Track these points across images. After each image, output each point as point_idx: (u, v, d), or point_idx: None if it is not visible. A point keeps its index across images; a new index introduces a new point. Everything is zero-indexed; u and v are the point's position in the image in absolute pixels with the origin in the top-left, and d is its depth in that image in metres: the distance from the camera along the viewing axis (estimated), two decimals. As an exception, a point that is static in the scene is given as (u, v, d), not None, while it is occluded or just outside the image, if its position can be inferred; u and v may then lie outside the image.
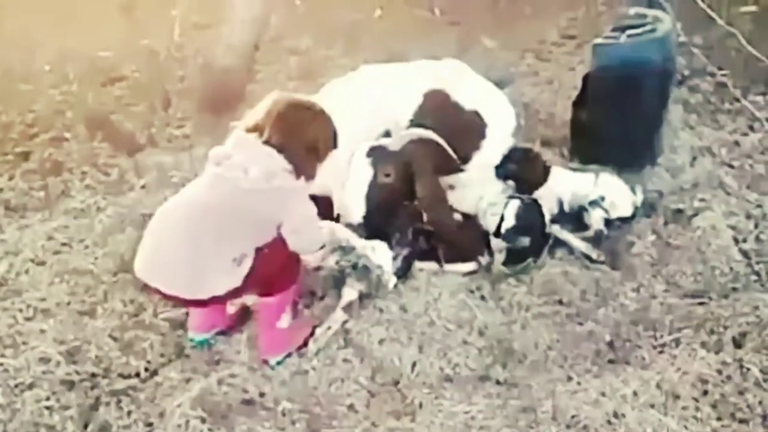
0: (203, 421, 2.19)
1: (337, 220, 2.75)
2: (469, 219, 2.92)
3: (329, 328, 2.54)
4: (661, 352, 2.43)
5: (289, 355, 2.47)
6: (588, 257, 2.89)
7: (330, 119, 2.36)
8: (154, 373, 2.44)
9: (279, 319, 2.44)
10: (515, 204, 2.85)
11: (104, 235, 3.09)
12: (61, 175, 3.64)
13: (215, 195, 2.24)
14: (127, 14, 5.29)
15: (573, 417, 2.17)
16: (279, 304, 2.42)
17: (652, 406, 2.18)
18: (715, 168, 3.37)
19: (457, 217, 2.92)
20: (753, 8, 4.43)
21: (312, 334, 2.53)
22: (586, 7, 5.40)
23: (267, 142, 2.23)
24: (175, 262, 2.20)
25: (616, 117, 3.20)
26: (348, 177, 2.76)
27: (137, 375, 2.43)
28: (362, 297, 2.64)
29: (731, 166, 3.42)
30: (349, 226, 2.71)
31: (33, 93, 4.57)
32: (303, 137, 2.27)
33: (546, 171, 3.02)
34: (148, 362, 2.46)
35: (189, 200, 2.30)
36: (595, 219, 2.97)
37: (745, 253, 2.83)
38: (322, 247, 2.47)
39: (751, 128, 3.73)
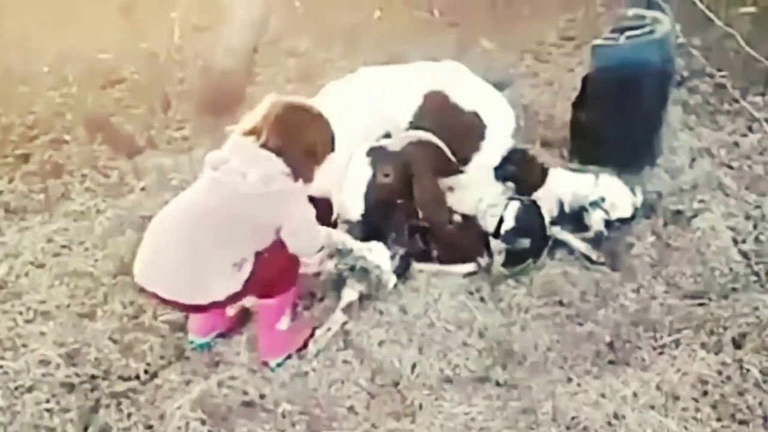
0: (203, 423, 2.19)
1: (335, 225, 2.75)
2: (469, 220, 2.93)
3: (329, 329, 2.54)
4: (661, 353, 2.43)
5: (289, 356, 2.48)
6: (588, 258, 2.89)
7: (327, 122, 2.36)
8: (154, 375, 2.44)
9: (279, 321, 2.44)
10: (514, 206, 2.85)
11: (104, 238, 3.09)
12: (61, 178, 3.64)
13: (213, 199, 2.23)
14: (126, 16, 5.29)
15: (573, 418, 2.17)
16: (279, 306, 2.43)
17: (652, 407, 2.19)
18: (714, 169, 3.38)
19: (457, 218, 2.92)
20: (752, 9, 4.42)
21: (312, 335, 2.53)
22: (585, 9, 5.40)
23: (264, 146, 2.22)
24: (175, 267, 2.20)
25: (616, 118, 3.20)
26: (347, 177, 2.76)
27: (137, 377, 2.43)
28: (362, 298, 2.64)
29: (730, 167, 3.42)
30: (347, 223, 2.71)
31: (32, 95, 4.57)
32: (301, 140, 2.27)
33: (544, 172, 3.03)
34: (148, 364, 2.46)
35: (187, 205, 2.29)
36: (595, 220, 2.98)
37: (744, 254, 2.83)
38: (321, 249, 2.47)
39: (750, 129, 3.73)
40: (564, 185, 3.03)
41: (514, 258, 2.83)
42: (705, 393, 2.23)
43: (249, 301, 2.50)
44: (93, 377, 2.41)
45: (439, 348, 2.48)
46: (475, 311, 2.62)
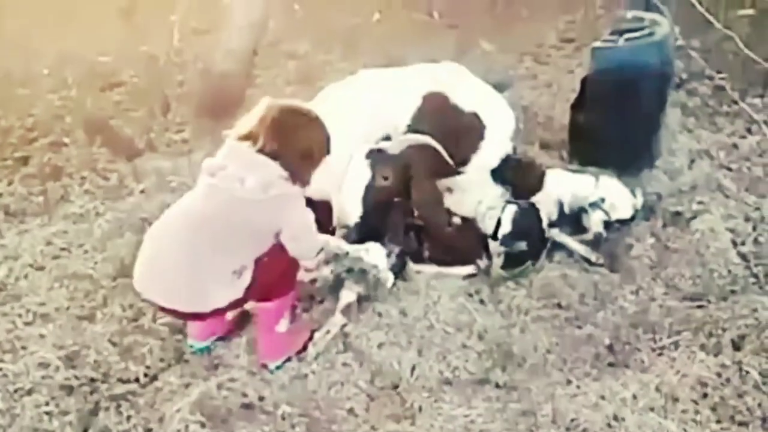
0: (203, 425, 2.19)
1: (333, 232, 2.75)
2: (468, 222, 2.93)
3: (328, 331, 2.54)
4: (660, 355, 2.44)
5: (288, 359, 2.47)
6: (587, 260, 2.89)
7: (323, 124, 2.34)
8: (154, 377, 2.44)
9: (278, 323, 2.44)
10: (512, 209, 2.85)
11: (103, 240, 3.09)
12: (60, 180, 3.64)
13: (211, 206, 2.22)
14: (126, 19, 5.30)
15: (572, 420, 2.17)
16: (278, 309, 2.42)
17: (652, 409, 2.18)
18: (713, 171, 3.38)
19: (456, 220, 2.92)
20: (750, 11, 4.43)
21: (311, 338, 2.53)
22: (585, 11, 5.41)
23: (261, 151, 2.20)
24: (174, 275, 2.20)
25: (615, 120, 3.20)
26: (346, 179, 2.76)
27: (136, 380, 2.42)
28: (361, 299, 2.64)
29: (729, 169, 3.42)
30: (345, 227, 2.71)
31: (32, 97, 4.57)
32: (297, 144, 2.25)
33: (541, 177, 3.03)
34: (148, 367, 2.46)
35: (185, 212, 2.28)
36: (595, 221, 2.98)
37: (743, 256, 2.83)
38: (320, 252, 2.47)
39: (749, 131, 3.74)
40: (564, 186, 3.04)
41: (513, 260, 2.84)
42: (704, 395, 2.23)
43: (248, 305, 2.51)
44: (92, 380, 2.41)
45: (438, 350, 2.48)
46: (475, 313, 2.62)
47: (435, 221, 2.84)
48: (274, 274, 2.31)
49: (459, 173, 2.95)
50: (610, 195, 3.01)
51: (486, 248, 2.87)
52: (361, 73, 3.17)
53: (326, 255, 2.59)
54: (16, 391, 2.33)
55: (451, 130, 2.91)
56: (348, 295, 2.62)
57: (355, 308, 2.62)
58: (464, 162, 2.96)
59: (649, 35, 3.20)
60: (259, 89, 4.28)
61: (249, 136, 2.24)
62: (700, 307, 2.62)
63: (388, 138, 2.87)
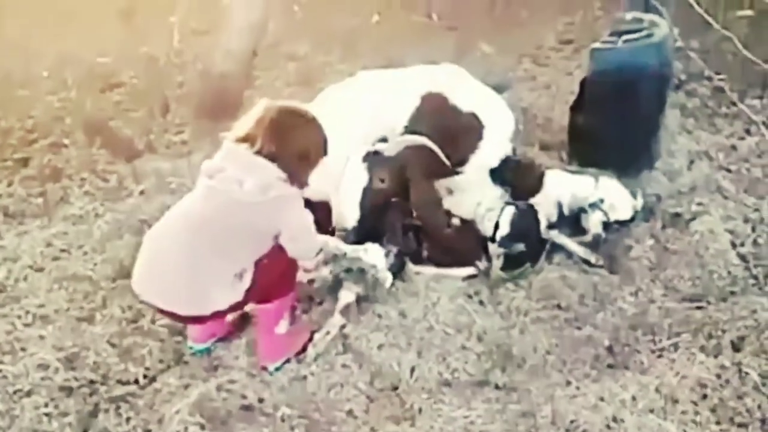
0: (202, 427, 2.19)
1: (333, 233, 2.75)
2: (467, 224, 2.93)
3: (328, 332, 2.54)
4: (659, 357, 2.43)
5: (287, 361, 2.47)
6: (586, 261, 2.89)
7: (320, 125, 2.34)
8: (153, 379, 2.44)
9: (277, 325, 2.44)
10: (510, 211, 2.86)
11: (103, 242, 3.09)
12: (60, 182, 3.64)
13: (210, 208, 2.22)
14: (125, 20, 5.31)
15: (572, 422, 2.17)
16: (277, 310, 2.42)
17: (651, 410, 2.18)
18: (712, 172, 3.38)
19: (455, 221, 2.93)
20: (749, 12, 4.44)
21: (311, 339, 2.53)
22: (584, 12, 5.42)
23: (259, 152, 2.20)
24: (174, 278, 2.20)
25: (614, 121, 3.20)
26: (343, 182, 2.76)
27: (136, 381, 2.42)
28: (360, 300, 2.64)
29: (728, 170, 3.42)
30: (343, 230, 2.71)
31: (31, 99, 4.58)
32: (295, 145, 2.25)
33: (541, 178, 3.03)
34: (147, 368, 2.46)
35: (184, 215, 2.28)
36: (594, 222, 2.98)
37: (742, 257, 2.83)
38: (319, 252, 2.47)
39: (748, 132, 3.74)
40: (563, 187, 3.04)
41: (512, 262, 2.84)
42: (704, 396, 2.23)
43: (248, 306, 2.51)
44: (92, 381, 2.41)
45: (438, 351, 2.48)
46: (474, 315, 2.62)
47: (434, 222, 2.84)
48: (274, 275, 2.31)
49: (457, 173, 2.95)
50: (609, 196, 3.01)
51: (485, 250, 2.87)
52: (360, 75, 3.17)
53: (325, 255, 2.59)
54: (15, 392, 2.33)
55: (448, 131, 2.91)
56: (347, 295, 2.62)
57: (354, 308, 2.62)
58: (462, 162, 2.96)
59: (648, 36, 3.20)
60: (259, 90, 4.29)
61: (247, 138, 2.23)
62: (699, 308, 2.62)
63: (384, 140, 2.87)
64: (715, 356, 2.36)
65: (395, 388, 2.38)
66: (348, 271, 2.64)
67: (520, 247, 2.84)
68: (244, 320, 2.62)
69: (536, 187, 3.02)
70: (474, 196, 2.95)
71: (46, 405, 2.28)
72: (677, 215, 3.07)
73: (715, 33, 3.85)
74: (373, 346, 2.50)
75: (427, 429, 2.20)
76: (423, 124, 2.90)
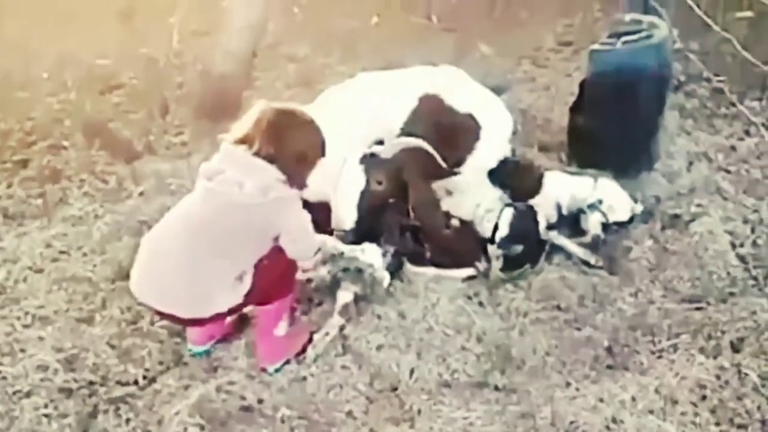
0: (202, 428, 2.19)
1: (332, 233, 2.76)
2: (467, 225, 2.93)
3: (327, 333, 2.54)
4: (659, 358, 2.44)
5: (287, 362, 2.47)
6: (586, 263, 2.89)
7: (318, 127, 2.34)
8: (152, 380, 2.44)
9: (276, 326, 2.44)
10: (509, 213, 2.86)
11: (102, 243, 3.09)
12: (60, 183, 3.65)
13: (209, 211, 2.22)
14: (125, 21, 5.31)
15: (572, 423, 2.17)
16: (276, 312, 2.42)
17: (651, 411, 2.18)
18: (711, 173, 3.38)
19: (455, 222, 2.93)
20: (748, 14, 4.44)
21: (310, 340, 2.53)
22: (583, 14, 5.42)
23: (257, 154, 2.20)
24: (174, 281, 2.20)
25: (613, 123, 3.21)
26: (340, 184, 2.77)
27: (135, 382, 2.42)
28: (358, 299, 2.64)
29: (728, 171, 3.42)
30: (341, 231, 2.72)
31: (31, 100, 4.58)
32: (293, 147, 2.25)
33: (540, 179, 3.03)
34: (146, 370, 2.46)
35: (183, 218, 2.28)
36: (593, 223, 2.98)
37: (742, 258, 2.83)
38: (317, 252, 2.47)
39: (747, 133, 3.74)
40: (562, 188, 3.04)
41: (511, 263, 2.84)
42: (703, 397, 2.23)
43: (247, 308, 2.51)
44: (91, 383, 2.40)
45: (437, 353, 2.48)
46: (474, 316, 2.62)
47: (432, 223, 2.85)
48: (274, 276, 2.32)
49: (454, 174, 2.95)
50: (608, 197, 3.01)
51: (485, 251, 2.87)
52: (360, 76, 3.17)
53: (323, 255, 2.59)
54: (14, 393, 2.33)
55: (445, 132, 2.92)
56: (345, 295, 2.62)
57: (353, 308, 2.62)
58: (459, 163, 2.97)
59: (647, 38, 3.20)
60: (258, 91, 4.29)
61: (245, 140, 2.24)
62: (698, 309, 2.62)
63: (381, 142, 2.87)
64: (715, 357, 2.36)
65: (394, 389, 2.38)
66: (345, 270, 2.64)
67: (519, 248, 2.84)
68: (244, 321, 2.62)
69: (535, 188, 3.02)
70: (473, 198, 2.95)
71: (46, 406, 2.28)
72: (676, 216, 3.07)
73: (714, 34, 3.85)
74: (372, 347, 2.50)
75: (426, 430, 2.20)
76: (419, 125, 2.91)
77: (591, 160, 3.26)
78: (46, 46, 5.26)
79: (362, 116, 2.93)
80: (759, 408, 2.18)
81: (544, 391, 2.32)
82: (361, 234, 2.70)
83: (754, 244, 2.91)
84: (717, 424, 2.16)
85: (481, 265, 2.85)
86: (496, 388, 2.38)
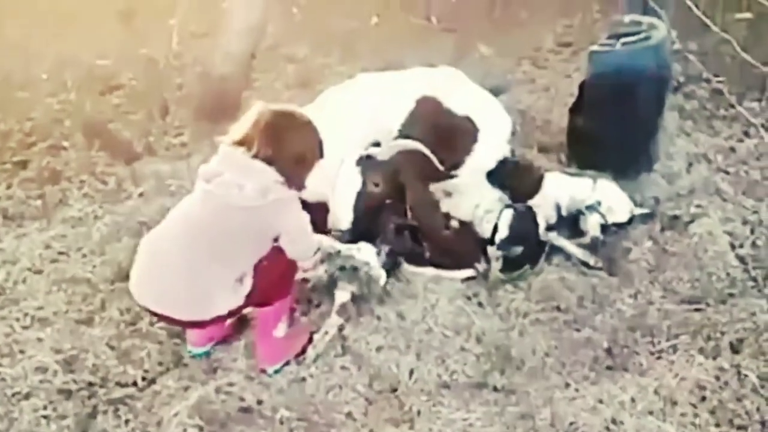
0: (201, 429, 2.19)
1: (327, 233, 2.76)
2: (466, 226, 2.93)
3: (326, 333, 2.54)
4: (658, 359, 2.44)
5: (286, 363, 2.47)
6: (585, 263, 2.89)
7: (315, 128, 2.35)
8: (152, 381, 2.44)
9: (276, 327, 2.44)
10: (508, 214, 2.86)
11: (102, 244, 3.08)
12: (59, 184, 3.64)
13: (208, 213, 2.22)
14: (125, 22, 5.31)
15: (571, 424, 2.17)
16: (276, 313, 2.43)
17: (650, 412, 2.19)
18: (711, 174, 3.38)
19: (454, 223, 2.93)
20: (747, 15, 4.44)
21: (310, 341, 2.53)
22: (582, 15, 5.42)
23: (256, 156, 2.20)
24: (174, 284, 2.20)
25: (613, 124, 3.21)
26: (337, 186, 2.77)
27: (134, 384, 2.42)
28: (356, 299, 2.64)
29: (727, 173, 3.42)
30: (337, 232, 2.72)
31: (31, 101, 4.57)
32: (291, 148, 2.25)
33: (539, 180, 3.03)
34: (146, 371, 2.46)
35: (182, 220, 2.28)
36: (592, 224, 2.98)
37: (741, 259, 2.83)
38: (316, 252, 2.47)
39: (747, 134, 3.74)
40: (562, 189, 3.04)
41: (511, 264, 2.84)
42: (703, 398, 2.23)
43: (246, 309, 2.50)
44: (90, 384, 2.41)
45: (437, 354, 2.48)
46: (473, 316, 2.62)
47: (431, 224, 2.85)
48: (274, 277, 2.32)
49: (451, 177, 2.95)
50: (607, 198, 3.02)
51: (484, 252, 2.87)
52: (359, 77, 3.18)
53: (322, 254, 2.60)
54: (14, 395, 2.33)
55: (442, 134, 2.92)
56: (342, 294, 2.62)
57: (351, 307, 2.62)
58: (457, 165, 2.97)
59: (647, 39, 3.20)
60: (258, 92, 4.29)
61: (243, 142, 2.24)
62: (698, 310, 2.62)
63: (377, 144, 2.88)
64: (714, 358, 2.36)
65: (394, 390, 2.38)
66: (342, 269, 2.64)
67: (519, 249, 2.84)
68: (243, 323, 2.62)
69: (535, 188, 3.02)
70: (472, 199, 2.95)
71: (45, 407, 2.28)
72: (676, 217, 3.07)
73: (713, 35, 3.85)
74: (371, 348, 2.50)
75: (425, 431, 2.20)
76: (417, 127, 2.91)
77: (590, 161, 3.26)
78: (46, 46, 5.25)
79: (361, 117, 2.93)
80: (758, 409, 2.18)
81: (543, 392, 2.32)
82: (357, 235, 2.71)
83: (754, 245, 2.91)
84: (716, 425, 2.16)
85: (481, 266, 2.85)
86: (496, 389, 2.38)
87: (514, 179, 3.02)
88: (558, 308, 2.70)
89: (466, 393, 2.35)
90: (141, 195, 3.49)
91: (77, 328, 2.64)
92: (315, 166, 2.35)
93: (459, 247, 2.88)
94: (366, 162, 2.77)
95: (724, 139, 3.71)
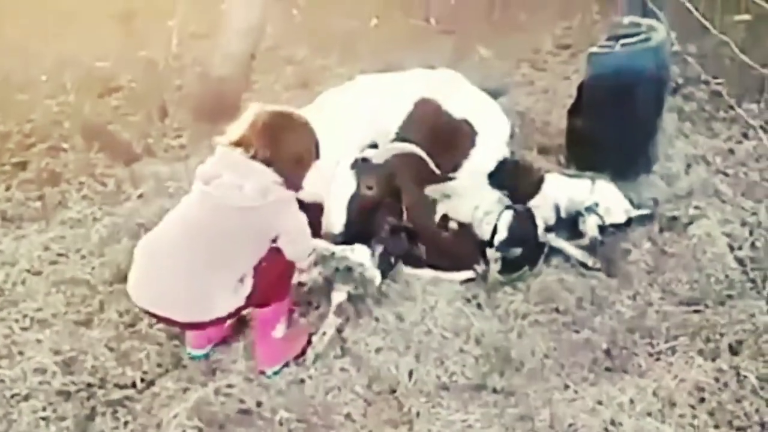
0: (200, 431, 2.19)
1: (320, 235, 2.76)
2: (465, 228, 2.93)
3: (324, 333, 2.54)
4: (657, 360, 2.44)
5: (286, 364, 2.47)
6: (584, 265, 2.90)
7: (312, 129, 2.35)
8: (151, 383, 2.44)
9: (274, 329, 2.44)
10: (507, 215, 2.86)
11: (101, 246, 3.08)
12: (58, 186, 3.64)
13: (207, 215, 2.22)
14: (124, 24, 5.31)
15: (570, 425, 2.18)
16: (274, 314, 2.43)
17: (649, 414, 2.19)
18: (709, 176, 3.38)
19: (453, 225, 2.93)
20: (746, 17, 4.44)
21: (309, 342, 2.53)
22: (581, 17, 5.42)
23: (254, 157, 2.21)
24: (174, 286, 2.19)
25: (612, 125, 3.21)
26: (332, 188, 2.77)
27: (133, 385, 2.42)
28: (352, 298, 2.64)
29: (726, 174, 3.42)
30: (329, 235, 2.72)
31: (30, 103, 4.57)
32: (289, 149, 2.26)
33: (539, 181, 3.03)
34: (145, 372, 2.46)
35: (182, 221, 2.28)
36: (590, 226, 2.98)
37: (740, 261, 2.83)
38: (312, 252, 2.48)
39: (745, 136, 3.74)
40: (561, 191, 3.04)
41: (510, 265, 2.84)
42: (702, 400, 2.23)
43: (245, 311, 2.50)
44: (89, 385, 2.40)
45: (436, 355, 2.48)
46: (472, 318, 2.62)
47: (429, 227, 2.85)
48: (272, 277, 2.32)
49: (449, 179, 2.95)
50: (605, 199, 3.02)
51: (483, 253, 2.87)
52: (358, 79, 3.18)
53: (315, 256, 2.60)
54: (13, 396, 2.33)
55: (439, 136, 2.93)
56: (338, 295, 2.62)
57: (348, 307, 2.62)
58: (455, 167, 2.97)
59: (646, 41, 3.21)
60: (257, 94, 4.29)
61: (240, 143, 2.24)
62: (697, 311, 2.62)
63: (374, 146, 2.88)
64: (713, 360, 2.36)
65: (393, 392, 2.38)
66: (336, 271, 2.64)
67: (518, 251, 2.84)
68: (242, 324, 2.62)
69: (535, 189, 3.03)
70: (471, 200, 2.95)
71: (44, 409, 2.28)
72: (675, 219, 3.07)
73: (712, 37, 3.84)
74: (371, 350, 2.50)
75: (424, 432, 2.20)
76: (414, 129, 2.91)
77: (590, 163, 3.26)
78: (45, 48, 5.25)
79: (360, 119, 2.93)
80: (757, 410, 2.18)
81: (542, 394, 2.32)
82: (350, 237, 2.71)
83: (753, 246, 2.91)
84: (716, 426, 2.16)
85: (480, 268, 2.85)
86: (495, 391, 2.38)
87: (515, 179, 3.01)
88: (557, 310, 2.70)
89: (465, 394, 2.35)
90: (140, 197, 3.48)
91: (76, 329, 2.64)
92: (312, 166, 2.35)
93: (458, 248, 2.88)
94: (361, 165, 2.77)
95: (723, 141, 3.71)
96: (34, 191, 3.60)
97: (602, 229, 2.98)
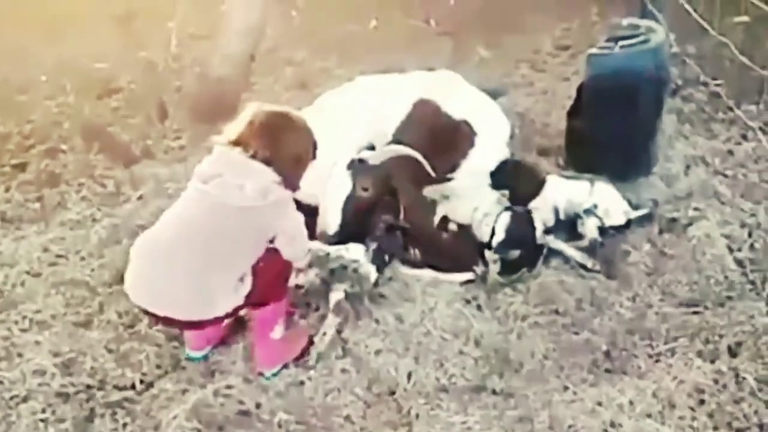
0: (199, 432, 2.19)
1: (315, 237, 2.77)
2: (464, 229, 2.93)
3: (324, 334, 2.54)
4: (657, 362, 2.44)
5: (285, 366, 2.47)
6: (583, 266, 2.90)
7: (310, 129, 2.36)
8: (150, 384, 2.43)
9: (272, 330, 2.44)
10: (505, 217, 2.86)
11: (100, 247, 3.08)
12: (58, 187, 3.64)
13: (205, 214, 2.22)
14: (123, 25, 5.30)
15: (570, 427, 2.18)
16: (273, 315, 2.43)
17: (649, 415, 2.19)
18: (709, 177, 3.39)
19: (452, 226, 2.93)
20: (745, 18, 4.44)
21: (310, 343, 2.53)
22: (581, 18, 5.43)
23: (253, 157, 2.21)
24: (173, 285, 2.19)
25: (611, 126, 3.21)
26: (327, 188, 2.77)
27: (133, 387, 2.42)
28: (350, 297, 2.64)
29: (725, 175, 3.43)
30: (324, 235, 2.72)
31: (29, 104, 4.57)
32: (288, 149, 2.27)
33: (540, 182, 3.04)
34: (144, 374, 2.46)
35: (180, 221, 2.27)
36: (589, 228, 2.98)
37: (739, 262, 2.84)
38: (308, 251, 2.48)
39: (744, 137, 3.74)
40: (560, 192, 3.05)
41: (509, 267, 2.84)
42: (701, 401, 2.23)
43: (242, 311, 2.50)
44: (88, 387, 2.40)
45: (435, 357, 2.48)
46: (472, 319, 2.62)
47: (425, 228, 2.85)
48: (270, 277, 2.32)
49: (447, 180, 2.95)
50: (604, 201, 3.02)
51: (482, 255, 2.87)
52: (358, 80, 3.18)
53: (310, 257, 2.60)
54: (12, 398, 2.33)
55: (437, 137, 2.93)
56: (336, 294, 2.63)
57: (347, 306, 2.62)
58: (453, 168, 2.97)
59: (645, 42, 3.21)
60: (257, 95, 4.29)
61: (239, 142, 2.24)
62: (696, 313, 2.63)
63: (372, 147, 2.88)
64: (712, 361, 2.36)
65: (392, 394, 2.38)
66: (332, 271, 2.64)
67: (517, 253, 2.84)
68: (241, 325, 2.62)
69: (536, 190, 3.03)
70: (471, 202, 2.95)
71: (43, 411, 2.28)
72: (674, 220, 3.08)
73: (711, 39, 3.85)
74: (370, 352, 2.50)
75: (424, 434, 2.20)
76: (413, 130, 2.92)
77: (589, 164, 3.26)
78: (45, 49, 5.26)
79: (359, 120, 2.94)
80: (756, 412, 2.19)
81: (542, 395, 2.32)
82: (344, 238, 2.71)
83: (752, 248, 2.91)
84: (715, 428, 2.16)
85: (479, 269, 2.85)
86: (494, 392, 2.38)
87: (516, 179, 3.01)
88: (556, 311, 2.70)
89: (464, 396, 2.35)
90: (139, 198, 3.49)
91: (75, 331, 2.64)
92: (309, 166, 2.36)
93: (457, 250, 2.88)
94: (357, 166, 2.77)
95: (722, 142, 3.71)
96: (34, 192, 3.60)
97: (601, 230, 2.99)
